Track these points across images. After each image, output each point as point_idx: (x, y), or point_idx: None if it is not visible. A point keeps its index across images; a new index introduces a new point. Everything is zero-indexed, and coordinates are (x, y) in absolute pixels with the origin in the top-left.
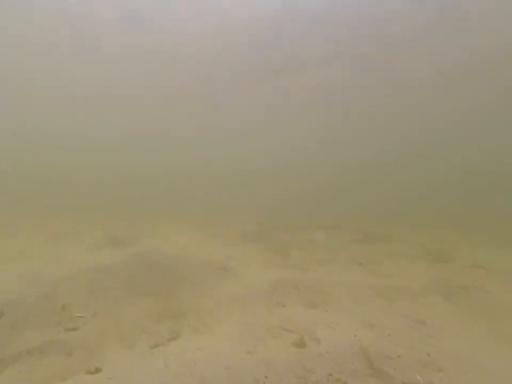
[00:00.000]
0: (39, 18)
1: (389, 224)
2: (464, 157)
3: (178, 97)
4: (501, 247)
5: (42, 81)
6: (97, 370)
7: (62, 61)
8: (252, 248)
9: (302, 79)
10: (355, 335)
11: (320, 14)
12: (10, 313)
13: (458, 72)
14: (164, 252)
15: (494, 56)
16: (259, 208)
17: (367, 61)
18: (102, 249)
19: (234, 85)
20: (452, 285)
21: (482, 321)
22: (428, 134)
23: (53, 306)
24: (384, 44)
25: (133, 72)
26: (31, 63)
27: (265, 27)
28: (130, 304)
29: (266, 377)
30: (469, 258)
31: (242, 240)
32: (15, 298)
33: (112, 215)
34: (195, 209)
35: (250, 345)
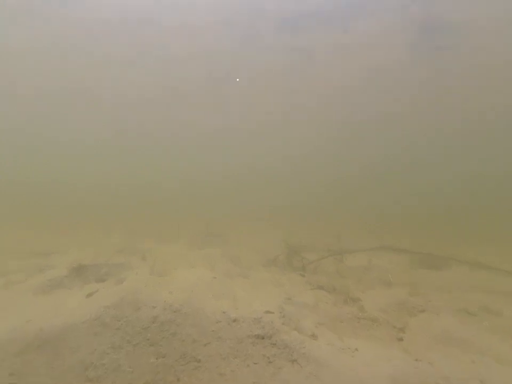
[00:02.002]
0: (37, 21)
1: (429, 236)
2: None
3: (185, 98)
4: None
5: (41, 83)
6: None
7: (61, 63)
8: (294, 285)
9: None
10: None
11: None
12: None
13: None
14: (158, 299)
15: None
16: (278, 219)
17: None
18: (61, 289)
19: (247, 83)
20: None
21: None
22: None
23: None
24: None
25: (135, 73)
26: (31, 65)
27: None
28: None
29: None
30: None
31: (272, 269)
32: None
33: (97, 229)
34: (202, 220)
35: None
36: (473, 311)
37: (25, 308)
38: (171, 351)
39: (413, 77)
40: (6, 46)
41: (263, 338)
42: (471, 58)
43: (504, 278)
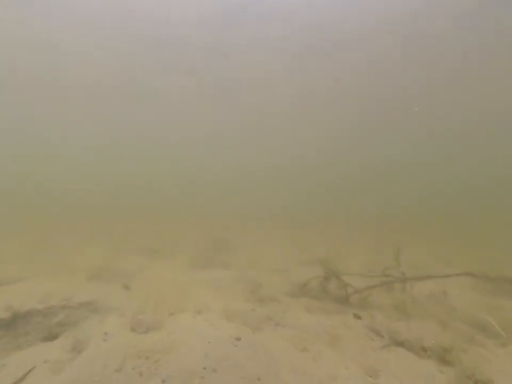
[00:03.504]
0: (36, 18)
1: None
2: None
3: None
4: None
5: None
6: None
7: (59, 61)
8: (356, 338)
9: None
10: None
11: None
12: None
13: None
14: None
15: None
16: (299, 227)
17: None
18: None
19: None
20: None
21: None
22: None
23: None
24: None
25: (134, 68)
26: (30, 64)
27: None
28: None
29: None
30: None
31: (309, 304)
32: None
33: (73, 241)
34: (204, 228)
35: None
36: None
37: None
38: None
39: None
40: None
41: None
42: None
43: None
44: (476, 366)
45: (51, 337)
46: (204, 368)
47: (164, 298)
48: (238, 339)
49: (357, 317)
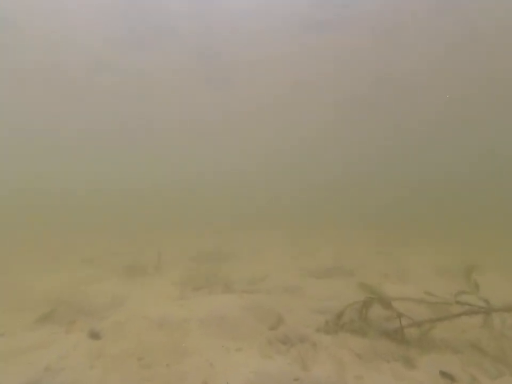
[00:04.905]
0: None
1: None
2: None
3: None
4: None
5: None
6: None
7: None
8: None
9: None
10: None
11: None
12: None
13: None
14: None
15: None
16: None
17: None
18: None
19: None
20: None
21: None
22: None
23: None
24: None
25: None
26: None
27: None
28: None
29: None
30: None
31: (364, 351)
32: None
33: (29, 258)
34: (194, 235)
35: None
36: None
37: None
38: None
39: None
40: None
41: None
42: None
43: None
44: None
45: None
46: None
47: (156, 360)
48: None
49: (447, 377)
